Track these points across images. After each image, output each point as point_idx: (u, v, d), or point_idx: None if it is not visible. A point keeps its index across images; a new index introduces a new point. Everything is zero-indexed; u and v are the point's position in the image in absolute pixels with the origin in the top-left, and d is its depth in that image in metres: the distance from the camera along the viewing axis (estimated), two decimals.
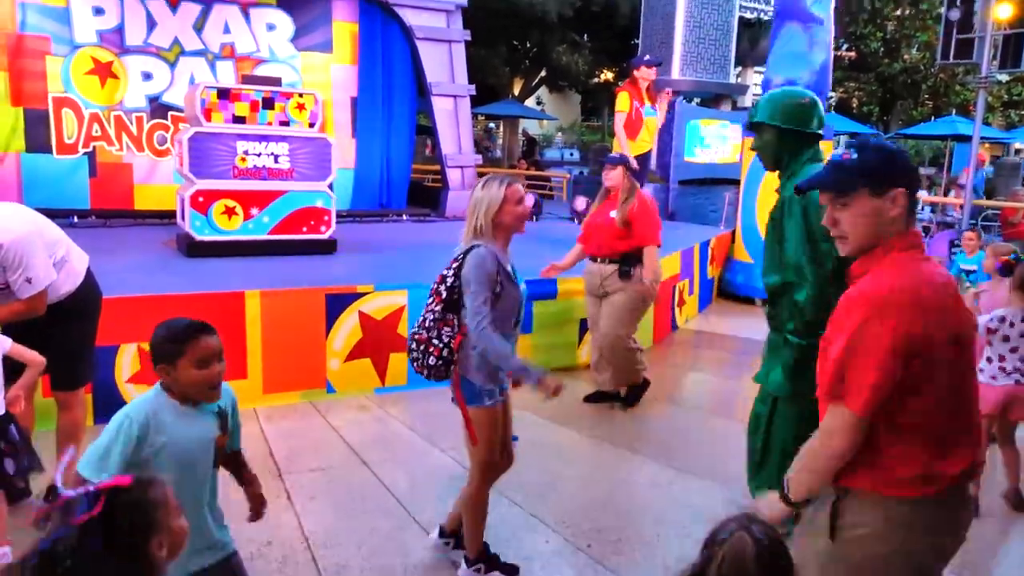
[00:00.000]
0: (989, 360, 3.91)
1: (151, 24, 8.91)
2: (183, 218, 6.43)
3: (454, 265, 2.90)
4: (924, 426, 1.75)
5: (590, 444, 4.60)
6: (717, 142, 11.73)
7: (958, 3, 10.57)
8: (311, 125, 6.71)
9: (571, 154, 24.93)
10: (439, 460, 4.25)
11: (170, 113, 9.02)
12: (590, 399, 5.21)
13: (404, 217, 10.10)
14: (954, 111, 20.12)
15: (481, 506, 3.04)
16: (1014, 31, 10.13)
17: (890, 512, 1.76)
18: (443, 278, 2.91)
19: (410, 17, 10.03)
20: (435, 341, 2.89)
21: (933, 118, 20.91)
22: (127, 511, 1.48)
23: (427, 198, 10.91)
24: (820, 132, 2.98)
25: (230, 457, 2.33)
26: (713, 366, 6.60)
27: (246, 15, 9.43)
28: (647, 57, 6.84)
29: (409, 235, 8.72)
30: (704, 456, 4.40)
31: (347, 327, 5.07)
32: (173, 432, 2.09)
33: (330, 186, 6.88)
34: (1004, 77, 19.40)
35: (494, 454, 3.00)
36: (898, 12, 20.58)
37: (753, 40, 17.80)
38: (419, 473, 4.08)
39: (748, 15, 16.29)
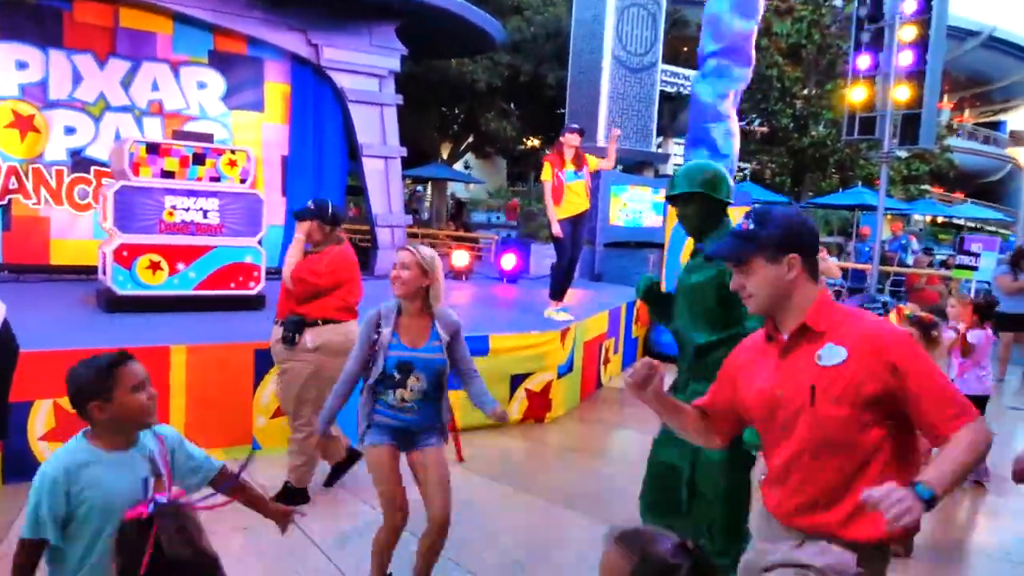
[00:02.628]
0: None
1: (76, 79, 8.78)
2: (104, 273, 6.25)
3: None
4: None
5: (525, 500, 4.60)
6: (641, 206, 12.15)
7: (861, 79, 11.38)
8: (243, 181, 6.68)
9: (497, 217, 25.34)
10: (368, 515, 4.18)
11: (93, 167, 8.83)
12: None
13: None
14: (860, 183, 21.39)
15: (377, 544, 3.15)
16: (912, 111, 10.92)
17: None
18: None
19: (343, 80, 10.18)
20: None
21: (841, 189, 22.15)
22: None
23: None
24: (731, 200, 3.12)
25: (232, 489, 2.31)
26: (637, 423, 6.68)
27: (176, 73, 9.39)
28: (573, 125, 7.14)
29: None
30: (636, 510, 4.45)
31: (275, 383, 4.97)
32: (103, 482, 2.04)
33: (260, 242, 6.82)
34: (903, 153, 20.78)
35: (382, 491, 3.09)
36: (805, 91, 21.92)
37: (673, 113, 18.68)
38: (348, 528, 4.01)
39: (669, 89, 17.12)
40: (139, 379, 2.09)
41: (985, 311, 5.58)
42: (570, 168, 6.89)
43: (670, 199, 3.18)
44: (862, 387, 1.81)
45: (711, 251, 2.08)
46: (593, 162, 7.12)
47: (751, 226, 1.96)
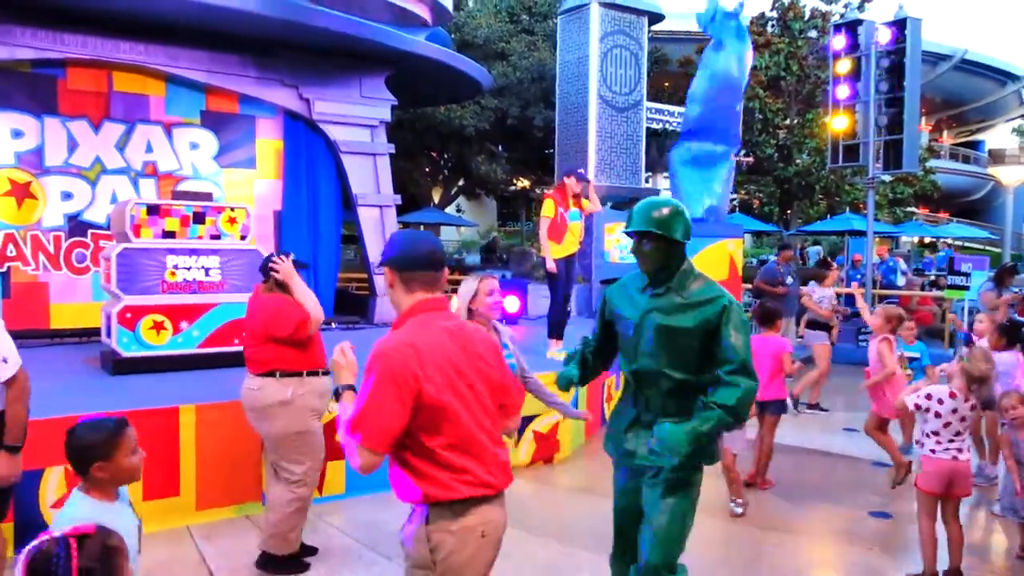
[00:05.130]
0: (927, 435, 4.01)
1: (72, 145, 8.88)
2: (108, 335, 6.27)
3: None
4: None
5: (539, 543, 4.58)
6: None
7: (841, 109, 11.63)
8: (243, 238, 6.76)
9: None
10: (385, 569, 4.16)
11: (90, 231, 8.89)
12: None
13: (333, 325, 10.06)
14: (847, 208, 21.64)
15: None
16: (893, 137, 11.15)
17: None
18: None
19: (335, 132, 10.33)
20: None
21: (828, 215, 22.39)
22: (95, 556, 1.60)
23: (354, 305, 10.93)
24: (687, 239, 2.96)
25: None
26: None
27: (169, 134, 9.51)
28: (580, 171, 7.28)
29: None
30: None
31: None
32: (119, 530, 2.09)
33: None
34: (887, 177, 21.08)
35: None
36: (787, 121, 22.28)
37: (660, 149, 18.92)
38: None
39: (655, 126, 17.39)
40: (135, 442, 2.30)
41: (1013, 333, 5.17)
42: (573, 208, 7.05)
43: (627, 234, 3.07)
44: None
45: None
46: (586, 204, 7.26)
47: None
